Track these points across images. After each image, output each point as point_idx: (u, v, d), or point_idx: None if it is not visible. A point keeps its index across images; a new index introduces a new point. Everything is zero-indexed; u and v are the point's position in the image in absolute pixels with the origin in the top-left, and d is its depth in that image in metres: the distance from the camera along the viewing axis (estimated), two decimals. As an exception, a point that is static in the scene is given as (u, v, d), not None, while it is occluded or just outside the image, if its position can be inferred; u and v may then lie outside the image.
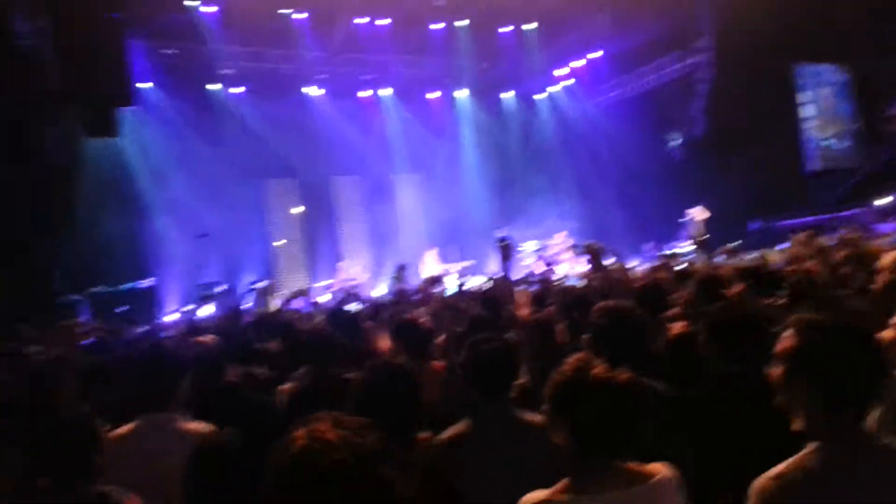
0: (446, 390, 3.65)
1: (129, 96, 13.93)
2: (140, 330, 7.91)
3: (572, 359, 1.96)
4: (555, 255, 15.08)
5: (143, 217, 14.52)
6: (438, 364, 3.99)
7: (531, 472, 2.53)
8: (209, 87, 16.05)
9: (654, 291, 4.40)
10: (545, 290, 6.44)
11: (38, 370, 3.86)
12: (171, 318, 11.97)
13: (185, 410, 2.97)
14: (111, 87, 13.33)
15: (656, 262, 7.20)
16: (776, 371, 1.85)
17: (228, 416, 2.89)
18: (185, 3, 14.35)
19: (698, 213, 15.25)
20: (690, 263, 7.12)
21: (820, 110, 20.65)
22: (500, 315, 4.30)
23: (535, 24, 17.79)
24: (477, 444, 2.61)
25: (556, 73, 19.34)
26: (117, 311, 11.79)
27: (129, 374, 2.97)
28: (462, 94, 19.09)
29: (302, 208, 17.05)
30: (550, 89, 19.68)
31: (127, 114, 14.10)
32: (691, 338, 3.21)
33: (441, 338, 4.80)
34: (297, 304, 8.28)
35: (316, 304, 11.38)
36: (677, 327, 3.87)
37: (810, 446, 1.75)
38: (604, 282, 4.46)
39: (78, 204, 13.55)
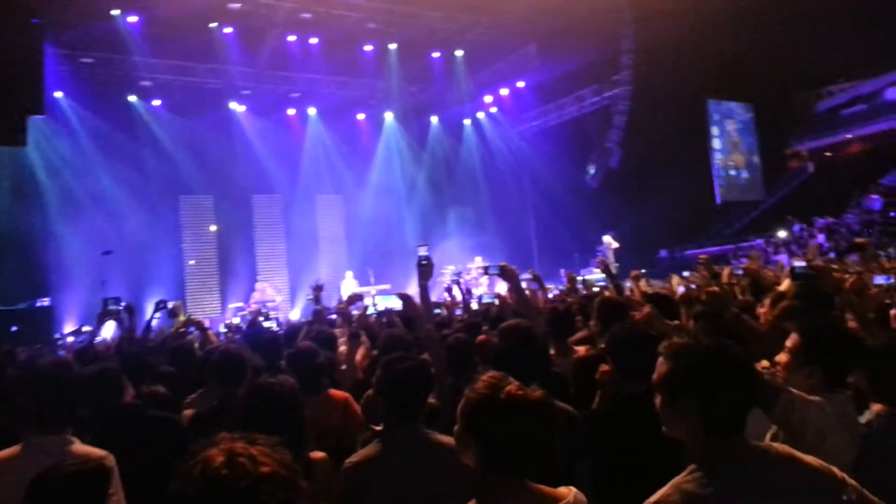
0: (348, 420, 3.64)
1: (41, 104, 13.35)
2: (34, 349, 7.47)
3: (486, 376, 1.91)
4: (472, 279, 15.25)
5: (47, 231, 13.80)
6: (338, 393, 3.92)
7: (441, 494, 2.54)
8: (127, 99, 15.52)
9: (563, 314, 4.49)
10: (449, 314, 6.51)
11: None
12: (69, 337, 11.35)
13: (81, 433, 2.83)
14: (22, 94, 12.73)
15: (566, 287, 7.39)
16: (657, 399, 1.86)
17: (132, 436, 2.79)
18: (111, 11, 13.84)
19: (609, 242, 15.84)
20: (602, 290, 7.35)
21: (726, 145, 21.92)
22: (416, 335, 4.32)
23: (462, 52, 18.14)
24: (385, 467, 2.60)
25: (482, 100, 19.72)
26: (12, 329, 11.12)
27: (21, 394, 2.81)
28: (389, 117, 19.17)
29: (214, 227, 16.58)
30: (477, 115, 20.03)
31: (36, 122, 13.46)
32: (596, 360, 3.30)
33: (359, 356, 4.78)
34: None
35: (229, 325, 11.07)
36: (583, 349, 3.97)
37: (690, 468, 1.76)
38: (517, 302, 4.55)
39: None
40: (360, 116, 18.99)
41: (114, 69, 14.95)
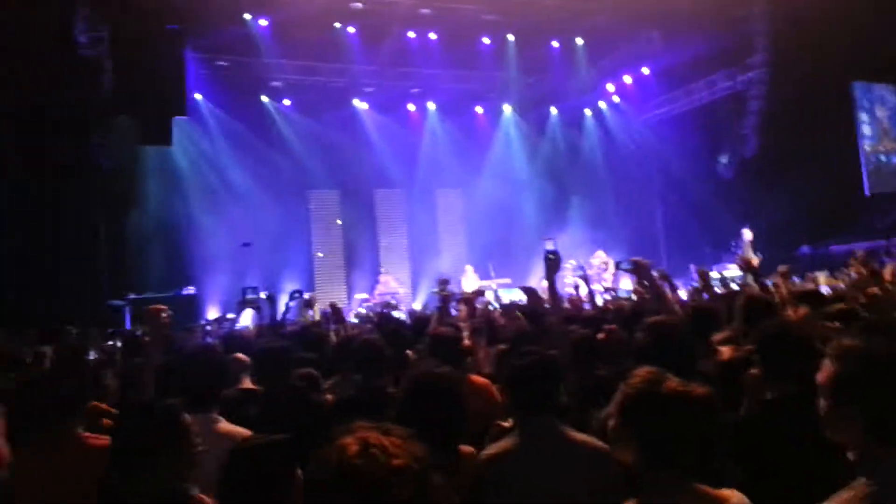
0: (491, 405, 3.61)
1: (183, 106, 14.38)
2: (184, 334, 8.02)
3: (641, 371, 1.89)
4: (595, 274, 14.86)
5: (191, 224, 14.86)
6: (479, 378, 3.93)
7: (577, 492, 2.45)
8: (260, 98, 16.38)
9: (706, 313, 4.28)
10: (576, 310, 6.37)
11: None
12: (212, 324, 12.17)
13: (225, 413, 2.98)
14: (166, 97, 13.76)
15: (700, 284, 6.99)
16: (821, 402, 1.75)
17: (291, 415, 2.88)
18: (243, 16, 14.65)
19: (747, 235, 14.91)
20: (741, 286, 6.89)
21: (876, 131, 20.03)
22: (544, 329, 4.23)
23: (581, 40, 17.68)
24: (522, 461, 2.56)
25: (604, 88, 19.17)
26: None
27: (176, 374, 3.02)
28: (507, 109, 19.05)
29: (339, 221, 17.19)
30: (598, 104, 19.51)
31: (180, 123, 14.52)
32: (742, 362, 3.11)
33: (482, 352, 4.74)
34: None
35: (360, 314, 11.41)
36: (728, 350, 3.74)
37: (858, 481, 1.64)
38: (655, 299, 4.34)
39: (130, 210, 13.96)
40: (479, 109, 18.99)
41: (247, 71, 15.80)
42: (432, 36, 16.32)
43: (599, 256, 15.80)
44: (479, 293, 6.43)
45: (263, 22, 14.95)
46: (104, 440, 2.79)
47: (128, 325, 11.54)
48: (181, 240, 14.62)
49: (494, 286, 14.90)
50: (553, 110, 19.49)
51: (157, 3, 12.76)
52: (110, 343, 6.81)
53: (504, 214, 17.86)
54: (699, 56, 16.24)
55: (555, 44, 17.65)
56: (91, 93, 12.62)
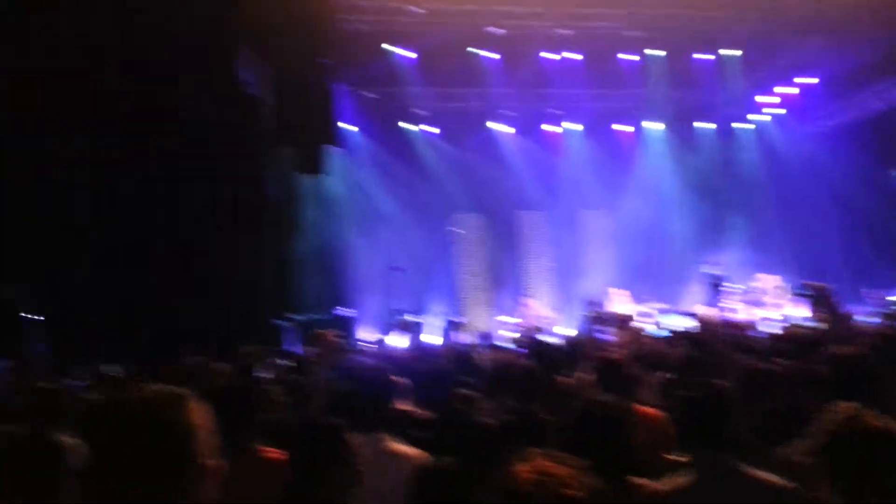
0: (657, 437, 3.43)
1: (336, 137, 15.23)
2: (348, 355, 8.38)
3: (843, 406, 1.82)
4: (760, 297, 13.88)
5: (345, 248, 15.67)
6: (646, 408, 3.75)
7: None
8: (404, 127, 17.00)
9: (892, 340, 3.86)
10: (743, 337, 5.92)
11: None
12: (367, 344, 12.67)
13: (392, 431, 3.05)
14: (320, 129, 14.63)
15: (886, 310, 6.30)
16: None
17: (453, 438, 2.90)
18: (385, 48, 15.33)
19: None
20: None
21: None
22: (713, 358, 3.97)
23: (736, 52, 16.76)
24: (700, 499, 2.40)
25: (761, 100, 18.04)
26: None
27: (343, 396, 3.13)
28: (654, 126, 18.42)
29: (484, 244, 17.34)
30: (753, 118, 18.38)
31: (334, 152, 15.42)
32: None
33: (649, 380, 4.54)
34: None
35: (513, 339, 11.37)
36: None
37: None
38: (837, 327, 3.96)
39: (291, 236, 14.94)
40: (622, 128, 18.52)
41: (392, 101, 16.48)
42: (572, 56, 16.19)
43: (762, 279, 14.73)
44: (630, 319, 6.19)
45: (406, 53, 15.56)
46: (277, 454, 2.94)
47: (288, 345, 12.26)
48: (336, 264, 15.43)
49: (650, 310, 14.37)
50: (705, 125, 18.59)
51: (311, 41, 13.63)
52: (277, 361, 7.24)
53: (653, 235, 17.25)
54: (866, 63, 14.91)
55: (705, 56, 16.88)
56: (255, 127, 13.71)
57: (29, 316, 11.40)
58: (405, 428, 3.28)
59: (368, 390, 3.09)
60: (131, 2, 11.42)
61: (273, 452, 3.02)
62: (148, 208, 11.95)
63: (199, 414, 1.32)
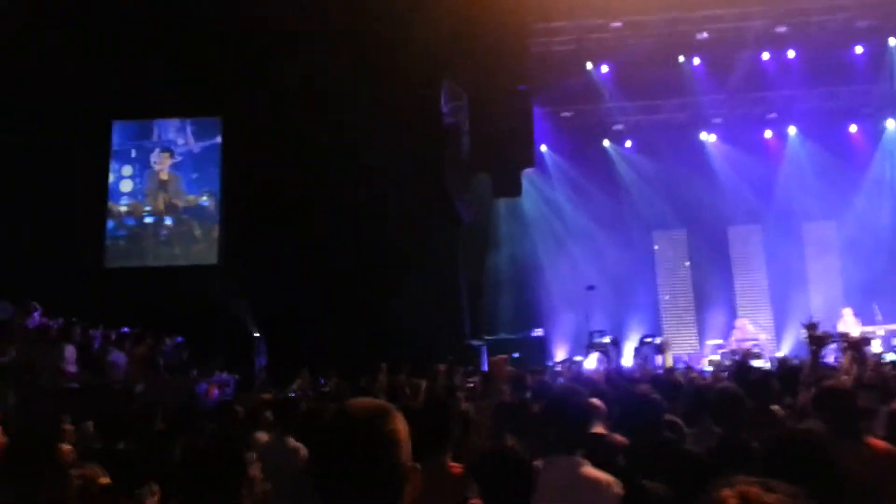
0: (886, 475, 2.89)
1: (532, 158, 15.31)
2: (538, 375, 8.29)
3: None
4: None
5: (538, 268, 15.58)
6: (881, 443, 3.18)
7: None
8: (602, 143, 16.61)
9: None
10: None
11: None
12: (559, 365, 12.43)
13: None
14: (516, 152, 14.80)
15: None
16: None
17: (665, 468, 2.75)
18: (586, 65, 15.13)
19: None
20: None
21: None
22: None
23: None
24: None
25: None
26: (514, 356, 12.63)
27: (544, 415, 3.10)
28: (891, 125, 16.09)
29: (687, 263, 16.26)
30: None
31: (527, 173, 15.50)
32: None
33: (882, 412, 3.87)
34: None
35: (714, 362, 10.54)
36: None
37: None
38: None
39: (485, 258, 15.18)
40: (853, 129, 16.37)
41: (589, 118, 16.27)
42: (790, 54, 14.78)
43: None
44: (866, 340, 5.34)
45: (605, 68, 15.21)
46: (460, 468, 2.96)
47: (484, 365, 12.39)
48: (530, 283, 15.43)
49: (883, 333, 12.50)
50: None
51: (508, 69, 13.87)
52: (469, 380, 7.31)
53: (891, 248, 14.94)
54: None
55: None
56: (453, 155, 14.20)
57: (253, 332, 12.76)
58: (601, 453, 3.12)
59: (563, 413, 2.97)
60: (338, 38, 12.35)
61: (456, 468, 3.07)
62: (353, 238, 12.87)
63: (403, 425, 1.47)
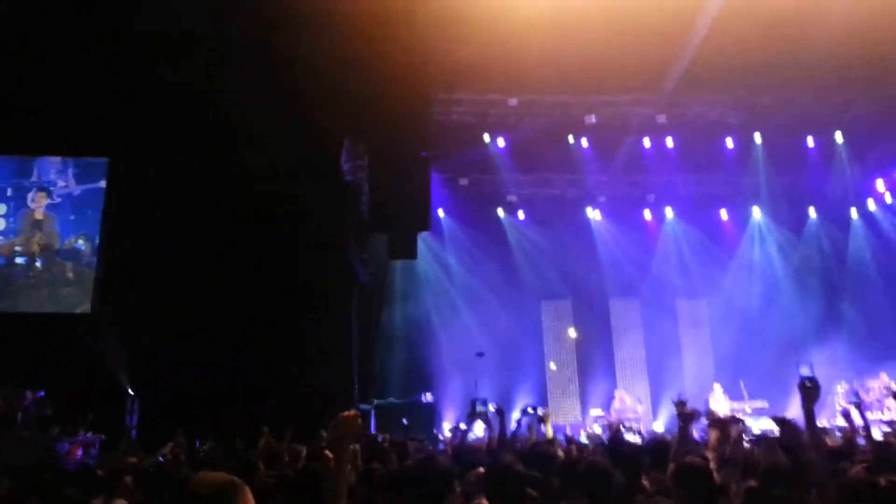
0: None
1: (428, 222, 15.53)
2: (420, 443, 8.21)
3: None
4: (874, 400, 12.60)
5: (429, 332, 15.65)
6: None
7: None
8: (496, 212, 17.15)
9: None
10: (849, 443, 5.37)
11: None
12: (447, 432, 12.39)
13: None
14: (414, 215, 14.98)
15: None
16: None
17: None
18: (483, 138, 15.71)
19: None
20: None
21: None
22: (801, 467, 3.55)
23: (841, 134, 16.00)
24: None
25: (872, 185, 16.98)
26: (403, 422, 12.47)
27: (402, 482, 3.07)
28: (756, 212, 17.63)
29: (573, 332, 16.81)
30: (867, 203, 17.26)
31: (423, 237, 15.69)
32: None
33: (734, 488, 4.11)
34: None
35: (590, 434, 10.83)
36: None
37: None
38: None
39: (378, 320, 15.12)
40: (723, 214, 17.83)
41: (484, 188, 16.77)
42: (669, 142, 15.95)
43: (883, 379, 13.28)
44: (735, 419, 5.71)
45: (501, 142, 15.85)
46: None
47: (373, 429, 12.16)
48: (422, 346, 15.44)
49: (748, 409, 13.30)
50: (811, 212, 17.63)
51: (410, 133, 14.16)
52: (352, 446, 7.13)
53: (756, 327, 16.04)
54: None
55: (810, 141, 16.20)
56: (352, 214, 14.20)
57: (126, 388, 11.97)
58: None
59: (421, 479, 2.96)
60: (241, 88, 12.18)
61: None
62: (240, 291, 12.41)
63: (250, 502, 1.45)
